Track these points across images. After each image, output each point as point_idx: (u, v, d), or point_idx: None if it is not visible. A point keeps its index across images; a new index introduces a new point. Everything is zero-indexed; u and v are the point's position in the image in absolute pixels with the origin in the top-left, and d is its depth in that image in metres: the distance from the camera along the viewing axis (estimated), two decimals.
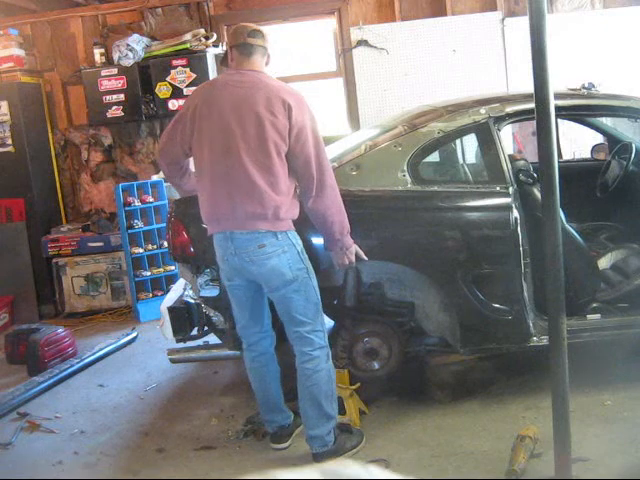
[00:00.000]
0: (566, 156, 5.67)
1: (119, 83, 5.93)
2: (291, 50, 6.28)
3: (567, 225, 3.32)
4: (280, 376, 3.14)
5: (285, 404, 3.18)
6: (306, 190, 2.82)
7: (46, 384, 4.16)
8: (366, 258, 3.03)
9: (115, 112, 5.97)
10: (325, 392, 2.90)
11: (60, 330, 4.74)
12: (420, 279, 3.27)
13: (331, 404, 2.94)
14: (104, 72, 5.94)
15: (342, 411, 3.16)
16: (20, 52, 6.11)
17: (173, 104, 5.89)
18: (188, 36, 5.93)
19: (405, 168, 3.26)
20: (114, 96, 5.94)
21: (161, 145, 3.07)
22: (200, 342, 3.58)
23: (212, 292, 3.40)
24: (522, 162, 3.54)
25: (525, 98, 3.35)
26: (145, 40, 5.96)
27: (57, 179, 6.43)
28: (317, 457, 2.94)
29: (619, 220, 4.22)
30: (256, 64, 2.91)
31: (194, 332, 3.54)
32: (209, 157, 2.81)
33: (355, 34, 5.93)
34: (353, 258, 2.97)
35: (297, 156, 2.78)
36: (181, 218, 3.30)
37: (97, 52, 6.07)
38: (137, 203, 5.60)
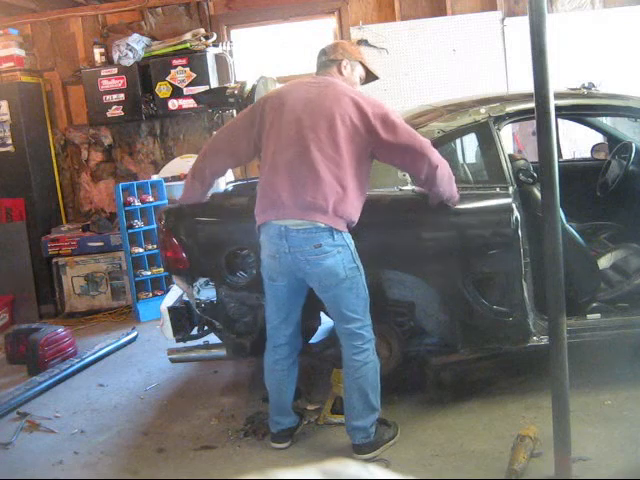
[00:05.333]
0: (566, 156, 5.67)
1: (119, 83, 5.93)
2: (291, 50, 6.28)
3: (567, 225, 3.32)
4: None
5: (292, 407, 3.16)
6: (419, 175, 2.88)
7: (46, 384, 4.15)
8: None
9: (115, 112, 5.98)
10: (372, 384, 2.92)
11: (60, 330, 4.74)
12: (420, 281, 3.27)
13: (376, 396, 2.95)
14: (104, 72, 5.95)
15: (342, 411, 3.16)
16: (20, 52, 6.12)
17: (173, 104, 5.90)
18: (188, 36, 5.94)
19: None
20: (114, 96, 5.95)
21: (218, 138, 3.11)
22: (200, 342, 3.58)
23: (210, 294, 3.39)
24: (522, 162, 3.53)
25: (525, 98, 3.35)
26: (145, 40, 5.97)
27: (57, 179, 6.43)
28: (359, 449, 2.95)
29: (619, 220, 4.22)
30: (329, 74, 3.04)
31: (194, 332, 3.54)
32: (273, 147, 2.85)
33: (355, 34, 5.93)
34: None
35: (393, 145, 2.80)
36: (172, 228, 3.26)
37: (97, 52, 6.08)
38: (137, 203, 5.60)
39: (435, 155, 2.86)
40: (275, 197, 2.80)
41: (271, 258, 2.88)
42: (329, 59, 3.04)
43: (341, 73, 3.03)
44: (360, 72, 3.11)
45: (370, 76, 3.17)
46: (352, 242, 2.84)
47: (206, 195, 3.24)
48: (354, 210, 2.82)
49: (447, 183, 2.95)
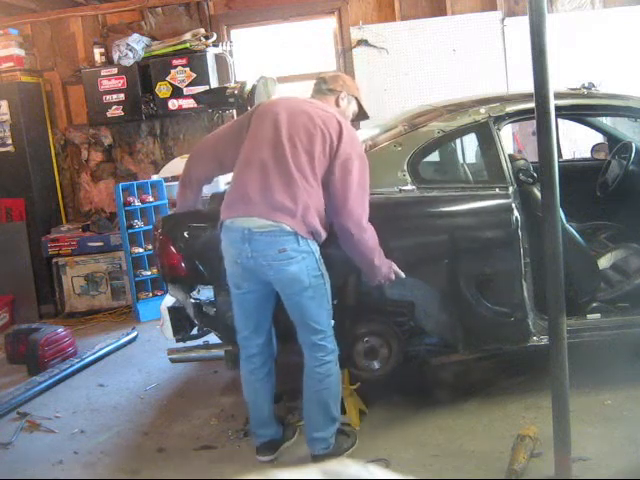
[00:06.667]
0: (566, 156, 5.67)
1: (119, 83, 5.93)
2: (291, 50, 6.29)
3: (567, 225, 3.32)
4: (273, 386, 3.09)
5: (274, 418, 3.10)
6: (341, 228, 2.79)
7: (46, 384, 4.16)
8: (403, 275, 2.99)
9: (115, 112, 5.98)
10: (334, 395, 2.90)
11: (60, 330, 4.74)
12: (420, 281, 3.26)
13: (337, 406, 2.94)
14: (104, 72, 5.95)
15: (342, 411, 3.16)
16: (20, 52, 6.12)
17: (173, 104, 5.90)
18: (188, 36, 5.93)
19: (405, 168, 3.25)
20: (114, 96, 5.95)
21: (204, 144, 3.11)
22: (200, 342, 3.58)
23: (209, 294, 3.38)
24: (522, 162, 3.53)
25: (525, 98, 3.34)
26: (145, 40, 5.97)
27: (57, 179, 6.43)
28: (318, 459, 2.92)
29: (619, 220, 4.22)
30: (326, 101, 3.03)
31: (194, 332, 3.54)
32: (250, 146, 2.84)
33: (355, 34, 5.93)
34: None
35: (336, 184, 2.76)
36: (169, 235, 3.21)
37: (97, 52, 6.08)
38: (137, 203, 5.60)
39: (360, 226, 2.78)
40: (244, 192, 2.77)
41: (234, 264, 2.82)
42: (328, 88, 3.04)
43: (338, 105, 3.03)
44: (354, 108, 3.11)
45: (361, 113, 3.17)
46: (317, 249, 2.80)
47: (198, 202, 3.20)
48: (317, 224, 2.77)
49: (366, 255, 2.85)
